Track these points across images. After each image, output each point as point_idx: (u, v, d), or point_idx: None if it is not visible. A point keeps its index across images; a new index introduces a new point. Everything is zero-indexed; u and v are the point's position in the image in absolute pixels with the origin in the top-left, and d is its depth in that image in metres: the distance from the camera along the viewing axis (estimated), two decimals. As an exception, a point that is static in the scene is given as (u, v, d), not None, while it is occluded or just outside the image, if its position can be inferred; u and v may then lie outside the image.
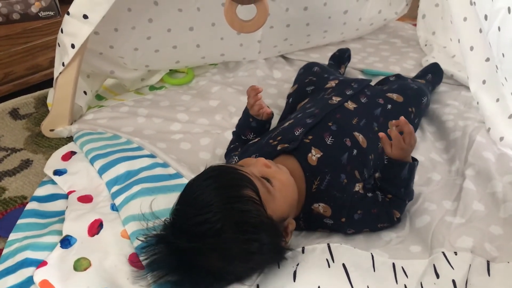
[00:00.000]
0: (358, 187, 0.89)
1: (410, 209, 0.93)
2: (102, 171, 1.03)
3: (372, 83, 1.19)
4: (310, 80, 1.20)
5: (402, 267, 0.80)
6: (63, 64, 1.11)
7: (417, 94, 1.16)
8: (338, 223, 0.88)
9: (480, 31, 1.04)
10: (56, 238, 0.88)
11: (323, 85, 1.16)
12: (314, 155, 0.90)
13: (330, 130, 0.95)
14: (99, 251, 0.84)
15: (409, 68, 1.46)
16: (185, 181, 0.98)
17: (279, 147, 0.93)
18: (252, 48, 1.46)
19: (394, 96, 1.12)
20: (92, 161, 1.06)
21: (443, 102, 1.27)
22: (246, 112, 1.07)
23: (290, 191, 0.84)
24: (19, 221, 0.94)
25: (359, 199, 0.87)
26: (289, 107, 1.18)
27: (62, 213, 0.96)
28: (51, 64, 1.22)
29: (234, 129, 1.10)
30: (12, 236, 0.90)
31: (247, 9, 0.98)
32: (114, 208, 0.94)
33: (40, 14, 1.46)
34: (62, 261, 0.82)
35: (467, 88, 1.24)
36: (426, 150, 1.11)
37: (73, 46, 1.08)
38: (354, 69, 1.46)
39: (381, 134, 0.85)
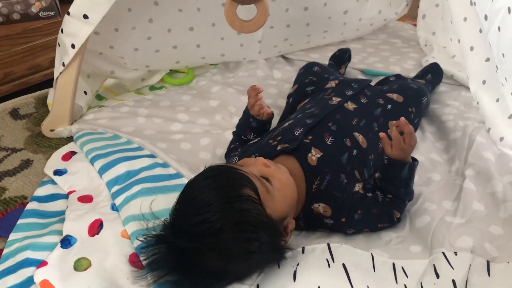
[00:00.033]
0: (358, 187, 0.89)
1: (410, 209, 0.93)
2: (102, 171, 1.03)
3: (372, 83, 1.19)
4: (310, 80, 1.20)
5: (402, 267, 0.80)
6: (63, 64, 1.11)
7: (417, 94, 1.16)
8: (338, 223, 0.88)
9: (480, 31, 1.04)
10: (56, 238, 0.88)
11: (323, 85, 1.16)
12: (314, 155, 0.90)
13: (330, 130, 0.95)
14: (99, 251, 0.84)
15: (409, 68, 1.46)
16: (185, 181, 0.97)
17: (279, 147, 0.93)
18: (252, 48, 1.46)
19: (394, 96, 1.12)
20: (92, 161, 1.06)
21: (443, 102, 1.27)
22: (246, 112, 1.07)
23: (290, 190, 0.84)
24: (20, 221, 0.94)
25: (359, 199, 0.87)
26: (289, 107, 1.18)
27: (62, 213, 0.96)
28: (51, 64, 1.22)
29: (234, 129, 1.10)
30: (13, 236, 0.90)
31: (247, 9, 0.98)
32: (114, 208, 0.94)
33: (40, 14, 1.46)
34: (62, 261, 0.82)
35: (467, 88, 1.24)
36: (426, 150, 1.11)
37: (73, 46, 1.08)
38: (354, 69, 1.46)
39: (381, 134, 0.85)
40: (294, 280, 0.77)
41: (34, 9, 1.45)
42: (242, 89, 1.35)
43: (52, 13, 1.47)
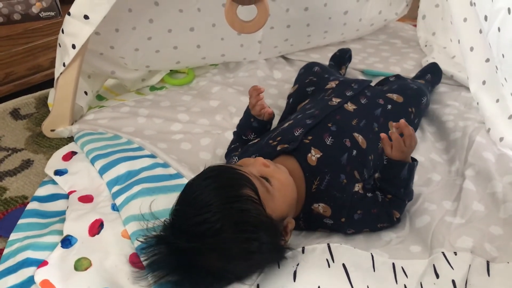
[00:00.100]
0: (357, 187, 0.89)
1: (410, 209, 0.94)
2: (102, 171, 1.03)
3: (372, 84, 1.19)
4: (310, 80, 1.20)
5: (402, 267, 0.80)
6: (64, 65, 1.11)
7: (417, 94, 1.16)
8: (338, 223, 0.88)
9: (480, 31, 1.04)
10: (56, 238, 0.88)
11: (323, 86, 1.16)
12: (314, 155, 0.90)
13: (329, 131, 0.95)
14: (99, 251, 0.84)
15: (409, 68, 1.46)
16: (185, 181, 0.98)
17: (278, 148, 0.93)
18: (252, 48, 1.46)
19: (394, 96, 1.12)
20: (92, 161, 1.07)
21: (443, 102, 1.27)
22: (247, 112, 1.07)
23: (289, 190, 0.84)
24: (20, 221, 0.94)
25: (359, 199, 0.88)
26: (290, 107, 1.18)
27: (62, 213, 0.96)
28: (52, 65, 1.22)
29: (235, 129, 1.10)
30: (13, 236, 0.90)
31: (247, 10, 0.98)
32: (114, 208, 0.94)
33: (41, 15, 1.46)
34: (63, 261, 0.83)
35: (467, 88, 1.24)
36: (426, 150, 1.11)
37: (74, 46, 1.08)
38: (354, 70, 1.46)
39: (382, 134, 0.85)
40: (294, 280, 0.77)
41: (34, 10, 1.45)
42: (242, 90, 1.35)
43: (52, 14, 1.47)
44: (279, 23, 1.42)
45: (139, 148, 1.11)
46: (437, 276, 0.78)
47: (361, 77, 1.42)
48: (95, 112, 1.26)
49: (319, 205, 0.88)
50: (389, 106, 1.09)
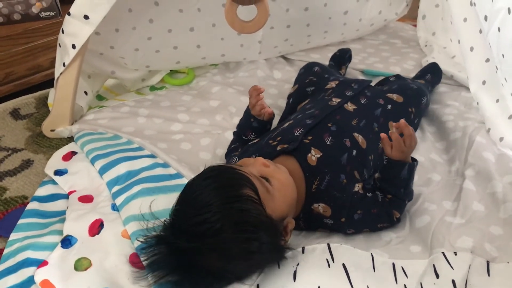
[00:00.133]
0: (357, 187, 0.89)
1: (410, 209, 0.94)
2: (102, 171, 1.03)
3: (372, 84, 1.19)
4: (310, 80, 1.20)
5: (402, 267, 0.80)
6: (64, 65, 1.11)
7: (417, 94, 1.16)
8: (338, 223, 0.88)
9: (480, 31, 1.04)
10: (56, 238, 0.88)
11: (323, 86, 1.16)
12: (314, 155, 0.90)
13: (329, 131, 0.95)
14: (99, 251, 0.84)
15: (409, 68, 1.46)
16: (185, 181, 0.98)
17: (278, 148, 0.93)
18: (252, 48, 1.46)
19: (394, 96, 1.12)
20: (92, 161, 1.07)
21: (443, 102, 1.27)
22: (247, 112, 1.07)
23: (289, 190, 0.84)
24: (20, 221, 0.94)
25: (359, 199, 0.88)
26: (290, 107, 1.18)
27: (62, 213, 0.96)
28: (52, 65, 1.22)
29: (235, 129, 1.10)
30: (13, 236, 0.90)
31: (247, 10, 0.98)
32: (114, 208, 0.94)
33: (41, 15, 1.46)
34: (63, 261, 0.83)
35: (467, 88, 1.24)
36: (426, 150, 1.11)
37: (74, 46, 1.08)
38: (354, 70, 1.46)
39: (382, 134, 0.85)
40: (294, 280, 0.77)
41: (34, 10, 1.45)
42: (242, 90, 1.35)
43: (52, 14, 1.47)
44: (279, 23, 1.42)
45: (139, 148, 1.11)
46: (437, 276, 0.78)
47: (361, 77, 1.42)
48: (95, 112, 1.26)
49: (319, 205, 0.88)
50: (389, 106, 1.09)
